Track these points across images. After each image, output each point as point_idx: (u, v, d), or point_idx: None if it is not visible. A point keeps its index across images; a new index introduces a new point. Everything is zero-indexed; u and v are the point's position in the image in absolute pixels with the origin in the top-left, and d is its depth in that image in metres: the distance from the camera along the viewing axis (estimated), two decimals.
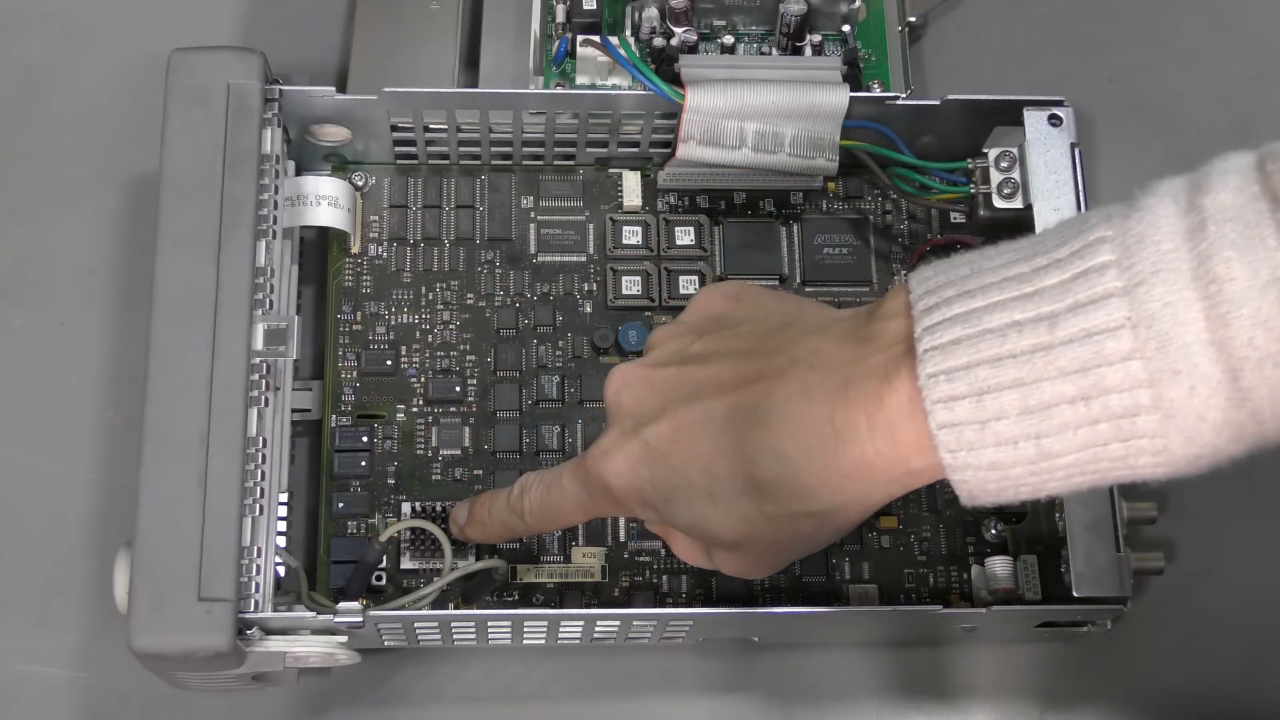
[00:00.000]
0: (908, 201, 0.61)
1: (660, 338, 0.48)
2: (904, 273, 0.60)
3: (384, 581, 0.56)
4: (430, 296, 0.60)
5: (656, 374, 0.46)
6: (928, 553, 0.58)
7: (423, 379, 0.59)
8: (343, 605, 0.50)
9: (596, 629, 0.54)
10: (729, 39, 0.64)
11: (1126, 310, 0.37)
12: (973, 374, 0.38)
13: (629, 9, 0.64)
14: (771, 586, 0.57)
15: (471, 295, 0.60)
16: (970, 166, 0.58)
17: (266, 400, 0.51)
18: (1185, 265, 0.36)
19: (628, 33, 0.64)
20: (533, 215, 0.61)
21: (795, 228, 0.62)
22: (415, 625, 0.52)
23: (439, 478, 0.58)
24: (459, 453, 0.58)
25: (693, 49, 0.63)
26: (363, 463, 0.57)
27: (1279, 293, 0.35)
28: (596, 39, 0.62)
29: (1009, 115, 0.58)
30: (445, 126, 0.59)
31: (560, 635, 0.54)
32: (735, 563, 0.48)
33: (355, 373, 0.59)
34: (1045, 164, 0.56)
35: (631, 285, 0.60)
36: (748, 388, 0.44)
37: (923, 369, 0.39)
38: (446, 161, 0.61)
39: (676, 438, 0.45)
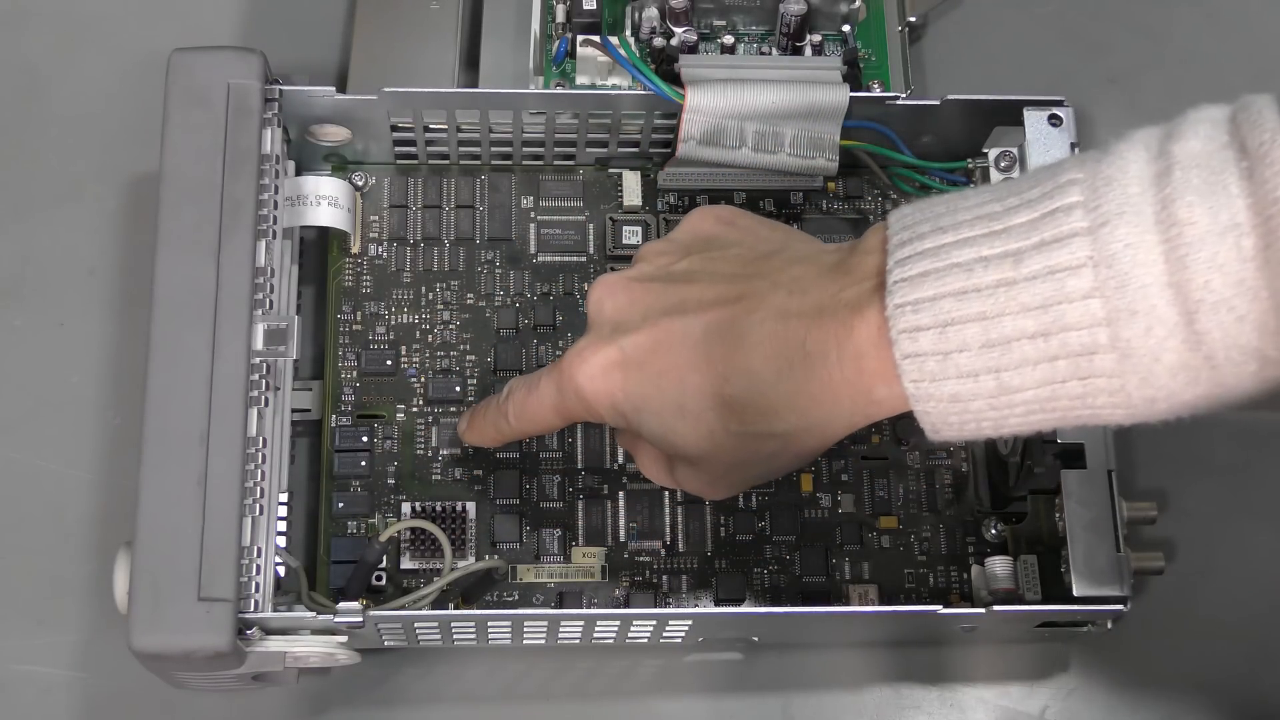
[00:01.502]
0: (908, 202, 0.61)
1: (649, 252, 0.49)
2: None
3: (384, 581, 0.56)
4: (430, 296, 0.60)
5: (640, 286, 0.47)
6: (928, 553, 0.58)
7: (423, 379, 0.59)
8: (343, 605, 0.50)
9: (596, 629, 0.54)
10: (729, 39, 0.64)
11: (1089, 249, 0.37)
12: (938, 306, 0.39)
13: (629, 9, 0.64)
14: (771, 586, 0.57)
15: (471, 295, 0.60)
16: (970, 166, 0.58)
17: (266, 400, 0.51)
18: (1149, 208, 0.37)
19: (628, 33, 0.64)
20: (533, 215, 0.61)
21: (795, 228, 0.61)
22: (415, 625, 0.52)
23: (439, 478, 0.58)
24: (459, 453, 0.58)
25: (693, 49, 0.63)
26: (363, 463, 0.57)
27: (1237, 238, 0.36)
28: (596, 39, 0.62)
29: (1009, 115, 0.58)
30: (445, 126, 0.59)
31: (560, 635, 0.54)
32: (696, 479, 0.49)
33: (355, 373, 0.59)
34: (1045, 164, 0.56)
35: None
36: (728, 307, 0.45)
37: (890, 300, 0.40)
38: (446, 161, 0.61)
39: (654, 349, 0.46)
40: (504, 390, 0.52)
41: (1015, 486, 0.56)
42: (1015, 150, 0.57)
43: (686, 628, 0.54)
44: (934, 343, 0.39)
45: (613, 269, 0.60)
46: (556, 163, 0.62)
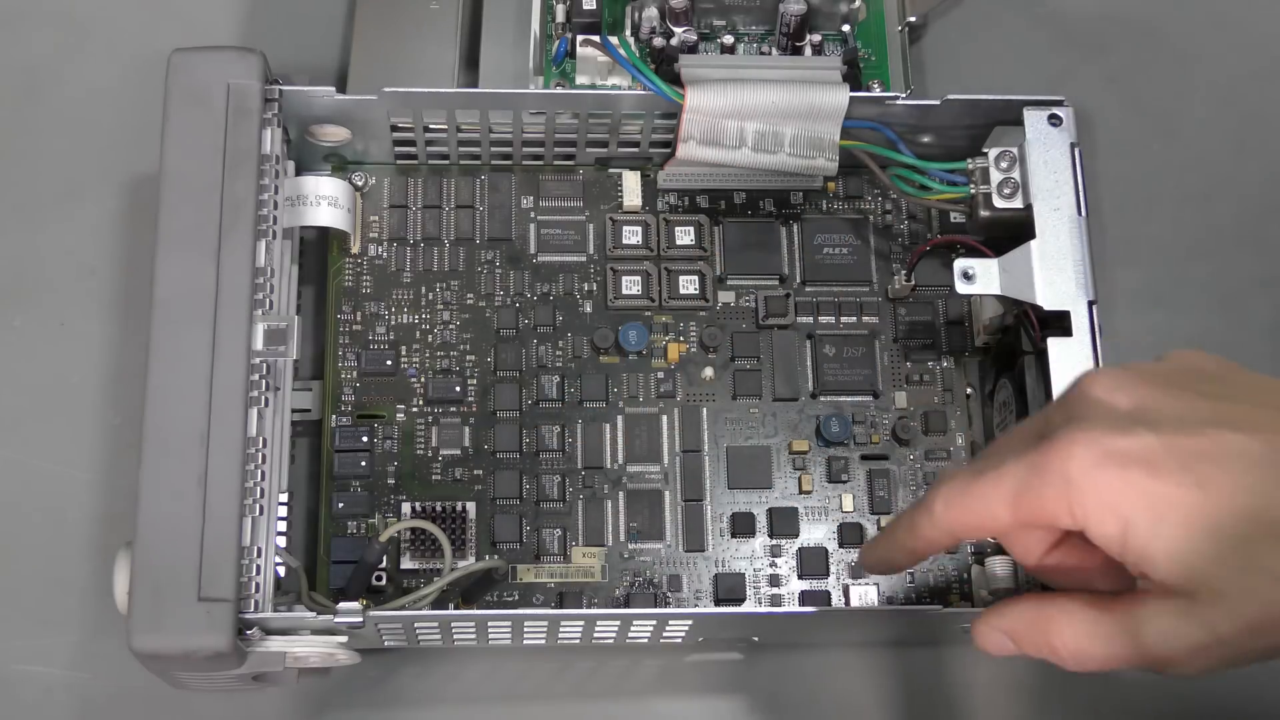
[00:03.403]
0: (908, 201, 0.61)
1: (1141, 366, 0.44)
2: (904, 272, 0.60)
3: (384, 581, 0.56)
4: (430, 296, 0.60)
5: (1169, 389, 0.42)
6: None
7: (423, 379, 0.59)
8: (343, 605, 0.50)
9: (596, 629, 0.54)
10: (729, 39, 0.64)
11: None
12: None
13: (629, 9, 0.64)
14: (771, 586, 0.57)
15: (471, 295, 0.60)
16: (970, 166, 0.58)
17: (266, 400, 0.51)
18: None
19: (627, 33, 0.64)
20: (533, 215, 0.61)
21: (795, 228, 0.62)
22: (415, 625, 0.52)
23: (439, 478, 0.58)
24: (459, 453, 0.58)
25: (693, 49, 0.63)
26: (363, 463, 0.57)
27: None
28: (596, 39, 0.62)
29: (1009, 115, 0.58)
30: (445, 126, 0.59)
31: (560, 635, 0.54)
32: (1189, 632, 0.41)
33: (355, 373, 0.59)
34: (1045, 164, 0.56)
35: (631, 285, 0.60)
36: None
37: None
38: (446, 161, 0.61)
39: (1199, 456, 0.40)
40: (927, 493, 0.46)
41: None
42: (1015, 150, 0.57)
43: (686, 628, 0.54)
44: None
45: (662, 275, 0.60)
46: (556, 163, 0.62)
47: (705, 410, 0.59)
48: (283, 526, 0.54)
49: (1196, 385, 0.42)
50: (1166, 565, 0.40)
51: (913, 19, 0.65)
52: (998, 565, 0.56)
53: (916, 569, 0.58)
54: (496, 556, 0.56)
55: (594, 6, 0.62)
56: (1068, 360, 0.53)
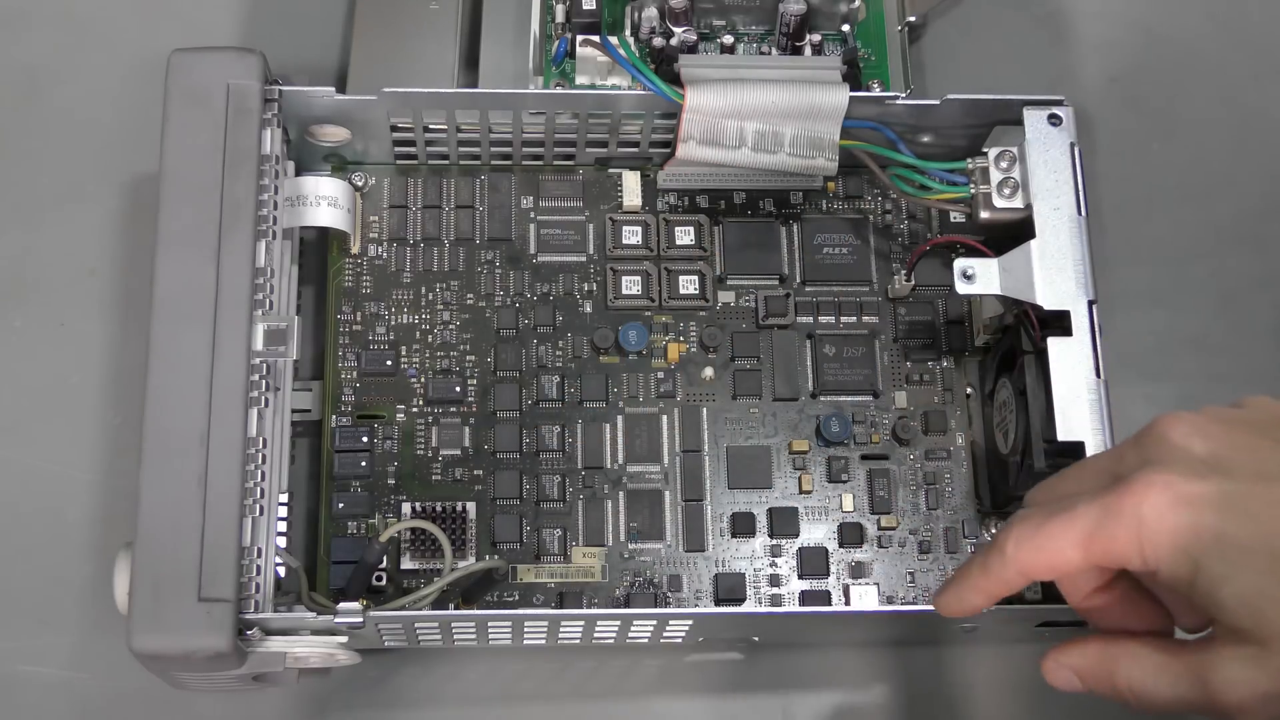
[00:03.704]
0: (908, 201, 0.61)
1: (1217, 413, 0.44)
2: (904, 272, 0.60)
3: (384, 582, 0.56)
4: (430, 296, 0.60)
5: (1245, 439, 0.42)
6: (928, 553, 0.58)
7: (423, 379, 0.59)
8: (343, 606, 0.50)
9: (597, 629, 0.54)
10: (729, 39, 0.64)
11: None
12: None
13: (628, 9, 0.64)
14: (771, 586, 0.57)
15: (471, 295, 0.60)
16: (970, 166, 0.58)
17: (266, 400, 0.51)
18: None
19: (627, 33, 0.64)
20: (533, 215, 0.61)
21: (795, 227, 0.62)
22: (415, 625, 0.52)
23: (439, 478, 0.58)
24: (459, 453, 0.58)
25: (692, 49, 0.63)
26: (363, 463, 0.57)
27: None
28: (596, 39, 0.62)
29: (1009, 115, 0.58)
30: (445, 126, 0.59)
31: (560, 635, 0.54)
32: (1251, 672, 0.41)
33: (355, 373, 0.59)
34: (1045, 163, 0.56)
35: (631, 285, 0.60)
36: None
37: None
38: (446, 162, 0.61)
39: (1273, 504, 0.41)
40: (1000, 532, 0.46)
41: (1015, 486, 0.56)
42: (1015, 150, 0.57)
43: (687, 628, 0.54)
44: None
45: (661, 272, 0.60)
46: (556, 163, 0.62)
47: (705, 410, 0.59)
48: (283, 527, 0.54)
49: (1274, 433, 0.43)
50: (1236, 611, 0.41)
51: (912, 19, 0.65)
52: None
53: (916, 569, 0.58)
54: (496, 557, 0.56)
55: (594, 6, 0.62)
56: (1068, 360, 0.53)
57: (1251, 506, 0.41)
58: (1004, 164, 0.57)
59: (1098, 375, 0.53)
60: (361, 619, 0.50)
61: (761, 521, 0.58)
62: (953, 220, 0.62)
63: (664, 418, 0.59)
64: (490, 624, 0.53)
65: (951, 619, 0.49)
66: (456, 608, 0.55)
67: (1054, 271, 0.54)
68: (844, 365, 0.60)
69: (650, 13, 0.63)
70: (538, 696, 0.58)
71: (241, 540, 0.49)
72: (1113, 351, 0.55)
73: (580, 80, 0.63)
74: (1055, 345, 0.54)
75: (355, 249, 0.60)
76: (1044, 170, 0.56)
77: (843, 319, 0.61)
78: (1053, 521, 0.43)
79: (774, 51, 0.65)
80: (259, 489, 0.50)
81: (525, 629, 0.53)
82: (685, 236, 0.61)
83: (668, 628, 0.54)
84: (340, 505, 0.57)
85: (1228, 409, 0.44)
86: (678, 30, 0.63)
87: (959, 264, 0.55)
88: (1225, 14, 0.69)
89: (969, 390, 0.60)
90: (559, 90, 0.63)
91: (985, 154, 0.57)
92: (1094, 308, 0.54)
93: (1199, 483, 0.41)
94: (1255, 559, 0.40)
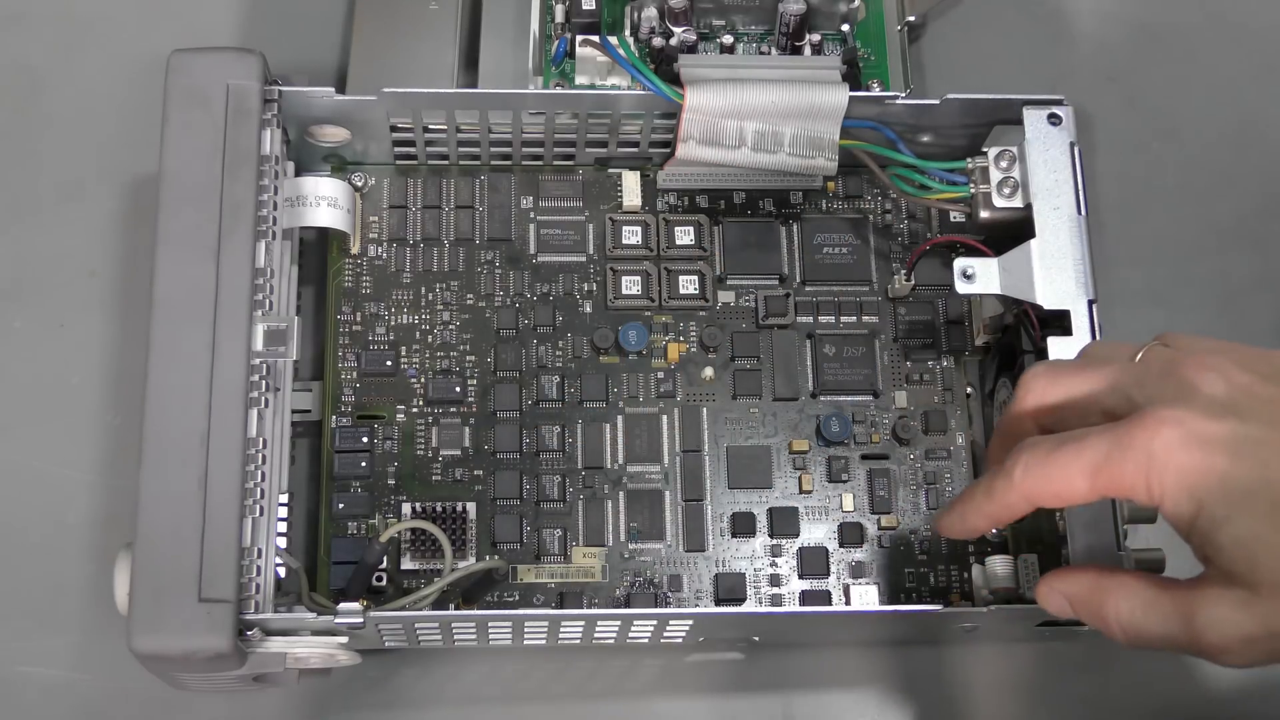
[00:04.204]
0: (907, 201, 0.61)
1: (1237, 353, 0.44)
2: (904, 272, 0.60)
3: (384, 582, 0.56)
4: (430, 296, 0.60)
5: (1263, 383, 0.42)
6: (928, 552, 0.58)
7: (423, 379, 0.59)
8: (343, 606, 0.50)
9: (597, 629, 0.54)
10: (728, 39, 0.64)
11: None
12: None
13: (628, 9, 0.64)
14: (771, 586, 0.57)
15: (471, 295, 0.60)
16: (970, 166, 0.58)
17: (266, 401, 0.51)
18: None
19: (627, 33, 0.64)
20: (532, 215, 0.61)
21: (795, 227, 0.62)
22: (416, 626, 0.52)
23: (439, 478, 0.58)
24: (459, 453, 0.58)
25: (692, 49, 0.63)
26: (363, 463, 0.57)
27: None
28: (596, 39, 0.62)
29: (1008, 114, 0.58)
30: (445, 127, 0.59)
31: (561, 635, 0.54)
32: (1244, 621, 0.41)
33: (355, 373, 0.59)
34: (1045, 163, 0.56)
35: (631, 285, 0.60)
36: None
37: None
38: (446, 162, 0.61)
39: None
40: (1008, 457, 0.45)
41: None
42: (1015, 149, 0.57)
43: (687, 628, 0.54)
44: None
45: (659, 266, 0.60)
46: (556, 163, 0.62)
47: (705, 410, 0.59)
48: (283, 527, 0.54)
49: None
50: (1231, 553, 0.41)
51: (912, 18, 0.65)
52: (998, 564, 0.56)
53: (916, 569, 0.58)
54: (497, 557, 0.56)
55: (593, 6, 0.62)
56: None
57: (1261, 453, 0.41)
58: (1004, 163, 0.57)
59: None
60: (362, 619, 0.50)
61: (761, 521, 0.58)
62: (953, 220, 0.62)
63: (664, 418, 0.59)
64: (490, 624, 0.53)
65: (934, 622, 0.49)
66: (457, 608, 0.55)
67: (1054, 271, 0.55)
68: (844, 365, 0.60)
69: (650, 13, 0.63)
70: (538, 697, 0.58)
71: (241, 541, 0.49)
72: None
73: (580, 80, 0.63)
74: (1055, 345, 0.54)
75: (355, 249, 0.60)
76: (1044, 170, 0.56)
77: (843, 319, 0.61)
78: (1062, 450, 0.43)
79: (774, 51, 0.65)
80: (259, 489, 0.50)
81: (525, 629, 0.53)
82: (685, 236, 0.61)
83: (668, 628, 0.54)
84: (340, 505, 0.57)
85: (1251, 350, 0.44)
86: (677, 30, 0.63)
87: (959, 264, 0.55)
88: (1225, 14, 0.69)
89: (969, 390, 0.60)
90: (559, 90, 0.63)
91: (985, 154, 0.57)
92: (1094, 307, 0.54)
93: (1213, 423, 0.41)
94: (1257, 504, 0.40)
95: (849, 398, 0.60)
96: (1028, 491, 0.44)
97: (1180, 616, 0.43)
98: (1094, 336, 0.54)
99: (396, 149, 0.60)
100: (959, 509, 0.47)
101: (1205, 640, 0.42)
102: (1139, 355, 0.46)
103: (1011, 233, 0.56)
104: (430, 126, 0.59)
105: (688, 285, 0.60)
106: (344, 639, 0.51)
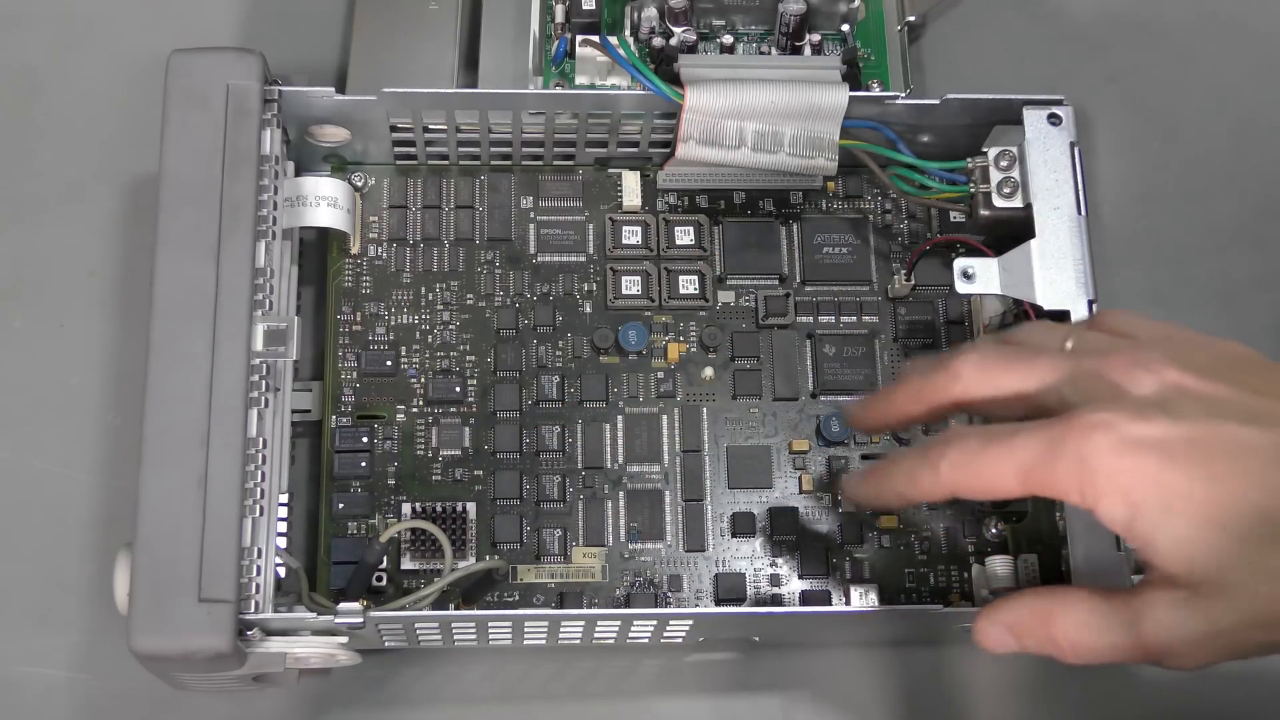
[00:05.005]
0: (907, 201, 0.61)
1: (1171, 345, 0.44)
2: (904, 272, 0.60)
3: (384, 582, 0.56)
4: (430, 297, 0.60)
5: (1195, 379, 0.42)
6: (928, 552, 0.58)
7: (423, 379, 0.59)
8: (343, 606, 0.50)
9: (597, 629, 0.54)
10: (728, 39, 0.64)
11: None
12: None
13: (628, 9, 0.64)
14: (771, 586, 0.57)
15: (471, 295, 0.60)
16: (970, 166, 0.58)
17: (266, 401, 0.51)
18: None
19: (627, 33, 0.64)
20: (532, 215, 0.61)
21: (795, 227, 0.62)
22: (416, 626, 0.52)
23: (439, 478, 0.58)
24: (459, 453, 0.58)
25: (692, 49, 0.63)
26: (363, 463, 0.57)
27: None
28: (595, 39, 0.62)
29: (1008, 114, 0.58)
30: (444, 127, 0.59)
31: (561, 635, 0.54)
32: (1188, 622, 0.41)
33: (355, 373, 0.59)
34: (1045, 163, 0.56)
35: (631, 285, 0.60)
36: None
37: None
38: (446, 162, 0.61)
39: (1213, 449, 0.40)
40: (930, 442, 0.45)
41: None
42: (1015, 150, 0.57)
43: (687, 628, 0.54)
44: None
45: (661, 266, 0.60)
46: (556, 163, 0.62)
47: (705, 410, 0.59)
48: (283, 527, 0.54)
49: (1228, 375, 0.42)
50: (1170, 555, 0.41)
51: (912, 18, 0.65)
52: (998, 564, 0.56)
53: (916, 569, 0.58)
54: (497, 557, 0.56)
55: (593, 6, 0.62)
56: None
57: (1192, 450, 0.40)
58: (1004, 163, 0.57)
59: None
60: (362, 619, 0.50)
61: (761, 521, 0.58)
62: (953, 220, 0.62)
63: (664, 418, 0.59)
64: (490, 624, 0.53)
65: (934, 622, 0.49)
66: (457, 608, 0.55)
67: (1054, 271, 0.55)
68: (844, 365, 0.60)
69: (650, 13, 0.63)
70: (538, 696, 0.58)
71: (241, 541, 0.49)
72: None
73: (580, 80, 0.63)
74: None
75: (355, 249, 0.60)
76: (1044, 170, 0.56)
77: (843, 319, 0.61)
78: (992, 448, 0.42)
79: (774, 51, 0.65)
80: (259, 489, 0.50)
81: (525, 629, 0.53)
82: (685, 236, 0.61)
83: (668, 628, 0.54)
84: (340, 505, 0.57)
85: (1191, 343, 0.44)
86: (677, 30, 0.63)
87: (959, 264, 0.55)
88: (1225, 14, 0.69)
89: None
90: (559, 90, 0.63)
91: (985, 153, 0.57)
92: (1094, 307, 0.54)
93: (1143, 425, 0.41)
94: (1191, 505, 0.40)
95: (849, 398, 0.59)
96: (954, 485, 0.44)
97: (1125, 624, 0.42)
98: None
99: (396, 149, 0.60)
100: (874, 485, 0.46)
101: (1152, 645, 0.42)
102: (1068, 342, 0.45)
103: (1011, 233, 0.56)
104: (430, 126, 0.59)
105: (688, 285, 0.60)
106: (344, 639, 0.51)
